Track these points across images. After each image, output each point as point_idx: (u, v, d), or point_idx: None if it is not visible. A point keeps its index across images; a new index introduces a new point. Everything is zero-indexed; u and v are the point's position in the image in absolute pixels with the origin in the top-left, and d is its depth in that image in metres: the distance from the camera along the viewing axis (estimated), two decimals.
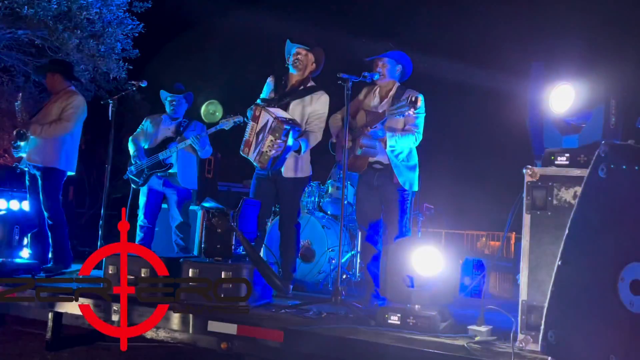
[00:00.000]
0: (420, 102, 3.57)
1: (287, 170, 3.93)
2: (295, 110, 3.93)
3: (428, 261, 2.87)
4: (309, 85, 4.02)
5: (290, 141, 3.70)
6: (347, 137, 3.47)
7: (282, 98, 3.98)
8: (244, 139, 3.94)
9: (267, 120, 3.75)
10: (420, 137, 3.71)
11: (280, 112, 3.79)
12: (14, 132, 4.43)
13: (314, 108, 3.94)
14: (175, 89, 4.76)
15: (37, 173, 4.50)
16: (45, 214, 4.47)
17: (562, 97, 2.77)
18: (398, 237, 3.64)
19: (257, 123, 3.84)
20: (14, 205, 5.47)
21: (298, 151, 3.82)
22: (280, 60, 4.11)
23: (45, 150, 4.46)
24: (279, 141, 3.66)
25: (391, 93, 3.80)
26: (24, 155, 4.54)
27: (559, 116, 2.82)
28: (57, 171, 4.52)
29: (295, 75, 4.02)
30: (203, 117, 4.37)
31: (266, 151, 3.72)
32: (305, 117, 3.93)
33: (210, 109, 4.36)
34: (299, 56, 3.96)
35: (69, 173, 4.62)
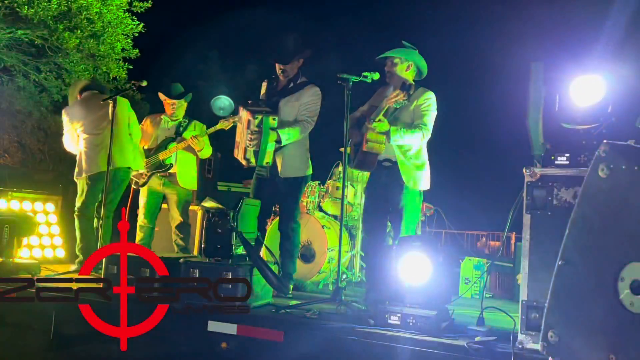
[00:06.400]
0: (421, 92, 3.62)
1: (286, 169, 3.93)
2: (285, 107, 3.92)
3: (421, 263, 2.87)
4: (299, 81, 4.01)
5: (265, 130, 3.65)
6: (348, 136, 3.47)
7: (271, 97, 3.98)
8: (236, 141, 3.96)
9: (243, 117, 3.78)
10: (429, 134, 3.65)
11: (255, 107, 3.77)
12: None
13: (304, 100, 3.92)
14: (174, 92, 4.72)
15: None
16: None
17: (587, 89, 2.63)
18: (401, 237, 3.63)
19: (242, 123, 3.86)
20: (14, 205, 5.45)
21: (278, 141, 3.75)
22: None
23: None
24: (255, 133, 3.65)
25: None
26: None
27: (582, 108, 2.66)
28: None
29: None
30: (215, 112, 4.32)
31: (247, 147, 3.71)
32: (296, 112, 3.92)
33: (218, 105, 4.30)
34: (280, 70, 3.96)
35: None
